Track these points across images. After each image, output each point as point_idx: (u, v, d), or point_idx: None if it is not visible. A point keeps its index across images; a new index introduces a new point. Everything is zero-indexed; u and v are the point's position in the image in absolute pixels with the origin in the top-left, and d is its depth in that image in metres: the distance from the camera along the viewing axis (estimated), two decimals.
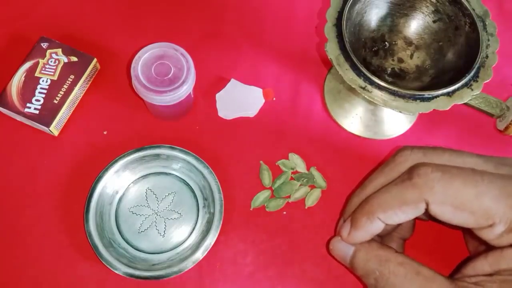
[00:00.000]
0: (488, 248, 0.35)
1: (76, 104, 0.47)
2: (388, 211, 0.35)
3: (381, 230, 0.37)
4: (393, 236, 0.42)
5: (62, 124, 0.46)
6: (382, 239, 0.42)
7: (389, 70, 0.45)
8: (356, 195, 0.40)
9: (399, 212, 0.35)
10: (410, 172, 0.35)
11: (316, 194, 0.46)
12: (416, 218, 0.42)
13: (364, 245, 0.38)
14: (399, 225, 0.41)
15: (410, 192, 0.34)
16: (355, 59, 0.39)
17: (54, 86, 0.45)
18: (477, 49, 0.40)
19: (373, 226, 0.36)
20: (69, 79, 0.46)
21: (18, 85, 0.45)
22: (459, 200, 0.33)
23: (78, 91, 0.46)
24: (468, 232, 0.36)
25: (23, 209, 0.44)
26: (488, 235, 0.34)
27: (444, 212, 0.34)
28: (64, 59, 0.46)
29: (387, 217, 0.35)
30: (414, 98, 0.39)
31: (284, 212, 0.46)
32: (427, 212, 0.35)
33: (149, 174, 0.45)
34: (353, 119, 0.49)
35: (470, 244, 0.41)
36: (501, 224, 0.33)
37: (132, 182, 0.45)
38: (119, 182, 0.44)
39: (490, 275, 0.34)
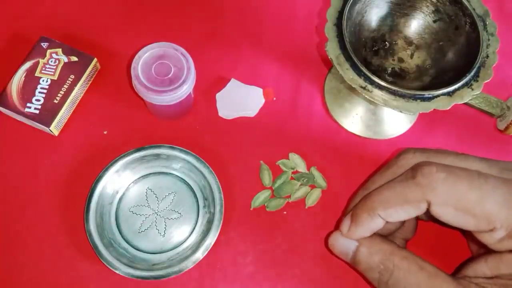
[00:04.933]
0: (488, 250, 0.35)
1: (76, 104, 0.47)
2: (389, 209, 0.35)
3: (382, 228, 0.37)
4: (395, 236, 0.41)
5: (62, 124, 0.46)
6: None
7: (389, 69, 0.45)
8: (358, 196, 0.40)
9: (400, 210, 0.35)
10: (414, 171, 0.35)
11: (316, 194, 0.46)
12: (416, 218, 0.42)
13: (367, 239, 0.37)
14: (401, 225, 0.41)
15: (412, 191, 0.34)
16: (355, 59, 0.39)
17: (54, 86, 0.45)
18: (477, 49, 0.40)
19: (374, 222, 0.36)
20: (69, 79, 0.46)
21: (18, 85, 0.45)
22: (461, 203, 0.33)
23: (78, 91, 0.46)
24: (469, 234, 0.36)
25: (23, 209, 0.44)
26: (488, 239, 0.33)
27: (446, 213, 0.34)
28: (64, 59, 0.46)
29: (387, 214, 0.35)
30: (415, 97, 0.39)
31: (284, 212, 0.46)
32: (427, 212, 0.35)
33: (149, 174, 0.45)
34: (354, 119, 0.49)
35: (472, 245, 0.41)
36: (502, 229, 0.32)
37: (132, 182, 0.45)
38: (119, 182, 0.44)
39: (491, 277, 0.34)
